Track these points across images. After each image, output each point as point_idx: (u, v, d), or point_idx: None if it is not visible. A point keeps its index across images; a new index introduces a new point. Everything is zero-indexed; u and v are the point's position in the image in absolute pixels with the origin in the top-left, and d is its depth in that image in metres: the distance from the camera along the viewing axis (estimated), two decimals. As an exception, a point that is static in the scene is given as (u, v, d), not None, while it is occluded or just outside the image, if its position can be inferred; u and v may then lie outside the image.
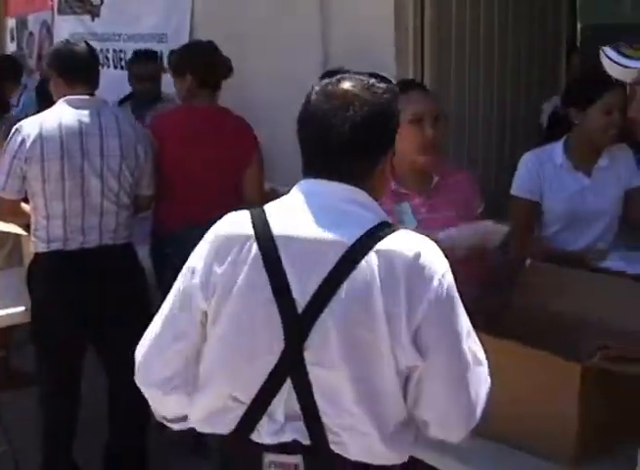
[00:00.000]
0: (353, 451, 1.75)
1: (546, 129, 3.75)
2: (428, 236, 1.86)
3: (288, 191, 1.84)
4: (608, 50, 1.68)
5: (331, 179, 1.77)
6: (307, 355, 1.71)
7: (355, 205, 1.76)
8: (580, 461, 1.98)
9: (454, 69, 4.20)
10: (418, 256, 1.69)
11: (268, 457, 1.77)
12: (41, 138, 3.27)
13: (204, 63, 3.87)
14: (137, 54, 5.49)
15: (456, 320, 1.71)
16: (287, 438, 1.75)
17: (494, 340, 1.96)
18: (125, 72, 5.97)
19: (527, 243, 3.22)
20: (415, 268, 1.68)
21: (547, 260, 3.20)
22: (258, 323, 1.74)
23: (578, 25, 4.49)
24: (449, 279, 1.71)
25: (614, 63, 1.67)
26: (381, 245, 1.69)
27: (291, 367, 1.72)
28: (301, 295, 1.70)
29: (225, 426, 1.80)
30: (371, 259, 1.68)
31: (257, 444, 1.78)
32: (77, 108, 3.36)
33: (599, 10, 3.49)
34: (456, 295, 1.72)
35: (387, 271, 1.68)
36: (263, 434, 1.77)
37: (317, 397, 1.72)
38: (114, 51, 6.30)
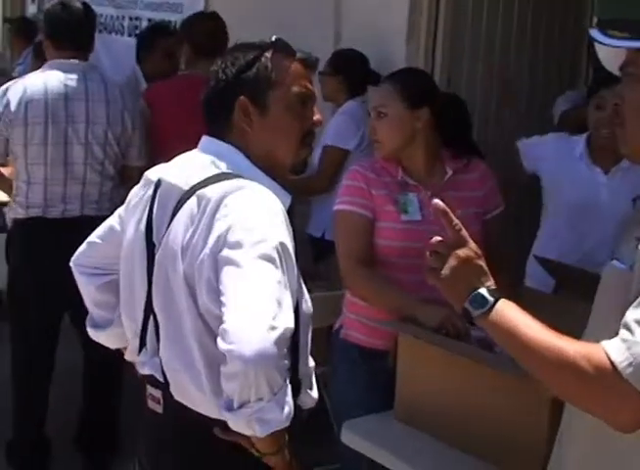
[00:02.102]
0: (176, 392, 1.81)
1: (557, 126, 3.63)
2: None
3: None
4: (593, 32, 1.54)
5: (212, 136, 1.89)
6: (154, 295, 1.83)
7: (215, 157, 1.84)
8: None
9: (466, 56, 4.08)
10: (223, 197, 1.73)
11: (148, 389, 1.90)
12: (25, 101, 3.20)
13: (198, 30, 3.82)
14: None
15: (231, 256, 1.67)
16: (149, 371, 1.87)
17: (469, 362, 2.06)
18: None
19: None
20: (215, 208, 1.73)
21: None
22: (136, 259, 1.88)
23: (594, 20, 4.34)
24: (245, 225, 1.69)
25: (598, 43, 1.53)
26: (203, 189, 1.77)
27: (150, 306, 1.84)
28: (157, 238, 1.83)
29: (133, 355, 1.95)
30: (189, 203, 1.77)
31: (142, 374, 1.91)
32: (64, 72, 3.27)
33: (614, 3, 3.34)
34: (245, 238, 1.68)
35: (195, 212, 1.76)
36: (139, 365, 1.92)
37: (160, 335, 1.83)
38: (130, 19, 6.20)
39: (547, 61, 4.41)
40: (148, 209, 1.86)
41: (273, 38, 1.89)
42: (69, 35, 3.31)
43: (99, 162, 3.29)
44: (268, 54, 1.86)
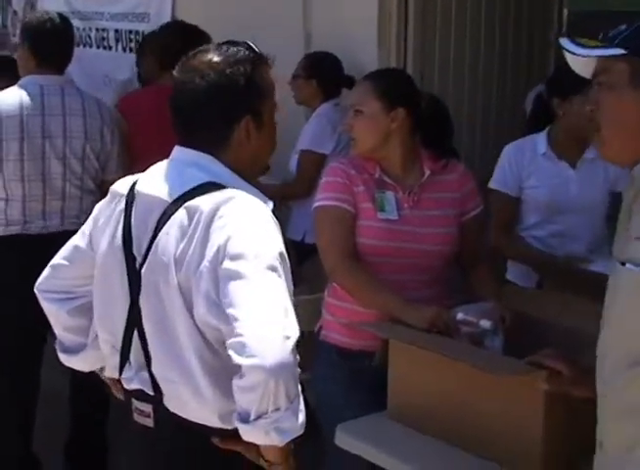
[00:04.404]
0: (171, 404, 1.82)
1: (529, 118, 3.64)
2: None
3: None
4: (564, 41, 1.57)
5: (190, 147, 1.86)
6: (142, 309, 1.82)
7: (195, 168, 1.83)
8: None
9: (438, 54, 4.12)
10: (216, 209, 1.73)
11: (134, 403, 1.89)
12: (0, 117, 3.16)
13: (164, 43, 3.78)
14: None
15: (235, 268, 1.68)
16: (137, 386, 1.86)
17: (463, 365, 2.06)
18: (108, 52, 5.88)
19: (505, 241, 3.12)
20: (209, 220, 1.73)
21: (525, 263, 3.14)
22: (114, 274, 1.86)
23: (565, 12, 4.39)
24: (244, 235, 1.71)
25: (570, 53, 1.56)
26: (191, 201, 1.76)
27: (135, 320, 1.83)
28: (138, 250, 1.82)
29: (113, 372, 1.94)
30: (178, 215, 1.76)
31: (127, 390, 1.90)
32: (41, 86, 3.25)
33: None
34: (247, 249, 1.69)
35: (187, 224, 1.75)
36: (124, 380, 1.89)
37: (150, 348, 1.82)
38: (97, 30, 6.16)
39: (516, 57, 4.46)
40: (123, 222, 1.85)
41: (253, 46, 1.89)
42: (55, 50, 3.29)
43: (78, 176, 3.28)
44: (258, 65, 1.87)
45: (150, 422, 1.86)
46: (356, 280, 2.51)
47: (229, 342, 1.63)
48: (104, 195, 3.30)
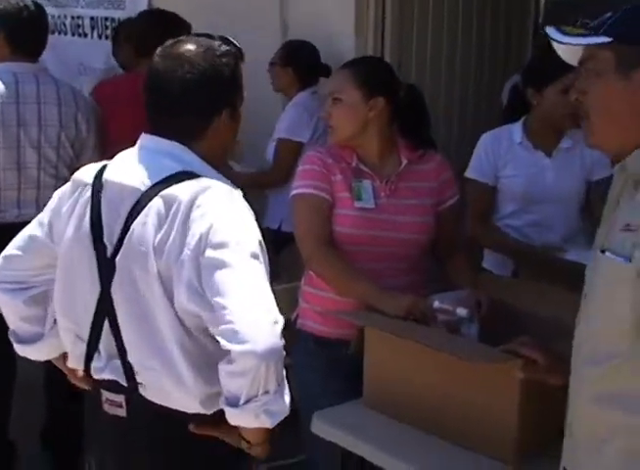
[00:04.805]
0: (151, 393, 1.82)
1: (505, 108, 3.65)
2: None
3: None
4: (550, 30, 1.58)
5: (162, 136, 1.85)
6: (114, 298, 1.81)
7: (169, 157, 1.83)
8: (518, 461, 2.03)
9: (415, 43, 4.12)
10: (194, 198, 1.74)
11: (104, 394, 1.89)
12: None
13: (139, 30, 3.77)
14: None
15: (220, 257, 1.69)
16: (109, 376, 1.86)
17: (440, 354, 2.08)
18: (83, 40, 5.83)
19: (481, 231, 3.14)
20: (187, 209, 1.73)
21: (502, 252, 3.16)
22: (81, 263, 1.85)
23: (542, 1, 4.41)
24: (225, 224, 1.72)
25: (556, 42, 1.57)
26: (167, 190, 1.76)
27: (106, 309, 1.83)
28: (109, 239, 1.81)
29: (78, 362, 1.92)
30: (154, 204, 1.76)
31: (95, 380, 1.90)
32: (15, 74, 3.21)
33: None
34: (230, 237, 1.71)
35: (164, 214, 1.75)
36: (94, 370, 1.88)
37: (124, 338, 1.81)
38: (72, 17, 6.11)
39: (493, 47, 4.47)
40: (90, 211, 1.84)
41: (232, 40, 1.92)
42: (31, 37, 3.26)
43: (52, 165, 3.25)
44: (239, 60, 1.90)
45: (122, 412, 1.86)
46: (333, 268, 2.51)
47: (220, 328, 1.65)
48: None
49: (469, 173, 3.20)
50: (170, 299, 1.75)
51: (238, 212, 1.78)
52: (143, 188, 1.79)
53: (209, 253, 1.70)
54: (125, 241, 1.79)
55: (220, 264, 1.68)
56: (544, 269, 2.97)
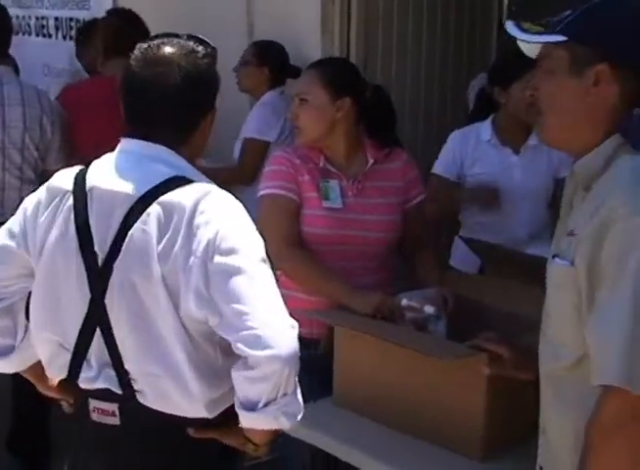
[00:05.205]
0: (152, 400, 1.79)
1: (473, 108, 3.69)
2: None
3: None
4: (509, 25, 1.60)
5: (148, 140, 1.81)
6: (108, 306, 1.77)
7: (159, 162, 1.80)
8: (487, 457, 2.05)
9: (381, 44, 4.14)
10: (196, 204, 1.73)
11: (92, 403, 1.84)
12: None
13: (105, 30, 3.76)
14: None
15: (233, 263, 1.70)
16: (101, 385, 1.82)
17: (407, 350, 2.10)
18: (47, 40, 5.79)
19: (434, 205, 3.13)
20: (190, 215, 1.72)
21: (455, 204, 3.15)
22: (68, 272, 1.80)
23: (505, 1, 4.45)
24: (232, 230, 1.73)
25: (514, 38, 1.60)
26: (165, 197, 1.74)
27: (97, 317, 1.79)
28: (101, 247, 1.77)
29: (59, 371, 1.88)
30: (153, 210, 1.73)
31: (83, 389, 1.85)
32: (-22, 76, 3.19)
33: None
34: (240, 243, 1.72)
35: (165, 221, 1.72)
36: (83, 380, 1.84)
37: (119, 345, 1.78)
38: (37, 18, 6.07)
39: (458, 45, 4.50)
40: (74, 219, 1.79)
41: (205, 40, 1.90)
42: None
43: (17, 166, 3.25)
44: (216, 59, 1.88)
45: (114, 420, 1.82)
46: (302, 268, 2.52)
47: (240, 335, 1.66)
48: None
49: (434, 169, 3.25)
50: (175, 305, 1.73)
51: (242, 218, 1.78)
52: (136, 194, 1.75)
53: (219, 259, 1.69)
54: (123, 249, 1.75)
55: (234, 271, 1.68)
56: (509, 265, 3.00)
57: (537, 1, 3.61)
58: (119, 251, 1.75)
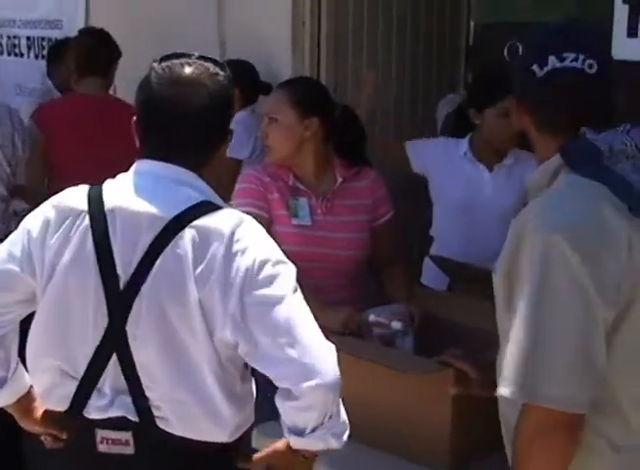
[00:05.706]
0: (178, 426, 1.75)
1: (454, 125, 3.73)
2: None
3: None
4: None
5: (169, 162, 1.76)
6: (129, 331, 1.72)
7: (187, 186, 1.76)
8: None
9: (351, 62, 4.17)
10: (233, 231, 1.70)
11: (100, 433, 1.77)
12: None
13: (77, 49, 3.80)
14: None
15: (272, 293, 1.70)
16: (115, 413, 1.75)
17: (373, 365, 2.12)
18: (19, 60, 5.79)
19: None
20: (228, 242, 1.69)
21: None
22: (83, 296, 1.73)
23: (471, 24, 4.50)
24: (269, 260, 1.71)
25: None
26: (198, 221, 1.70)
27: (115, 343, 1.73)
28: (124, 270, 1.71)
29: (59, 402, 1.80)
30: (185, 235, 1.69)
31: (89, 420, 1.77)
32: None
33: (489, 9, 3.49)
34: (276, 272, 1.71)
35: (201, 246, 1.69)
36: (93, 409, 1.76)
37: (140, 372, 1.73)
38: (8, 37, 6.06)
39: (427, 66, 4.55)
40: (92, 240, 1.72)
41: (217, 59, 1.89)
42: None
43: (-11, 183, 3.25)
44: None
45: (128, 450, 1.76)
46: None
47: (280, 366, 1.67)
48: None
49: (407, 144, 3.33)
50: (210, 330, 1.70)
51: (274, 246, 1.76)
52: (166, 216, 1.70)
53: (257, 290, 1.68)
54: (153, 271, 1.69)
55: (272, 301, 1.68)
56: (478, 283, 3.02)
57: (503, 27, 3.66)
58: (147, 274, 1.69)
